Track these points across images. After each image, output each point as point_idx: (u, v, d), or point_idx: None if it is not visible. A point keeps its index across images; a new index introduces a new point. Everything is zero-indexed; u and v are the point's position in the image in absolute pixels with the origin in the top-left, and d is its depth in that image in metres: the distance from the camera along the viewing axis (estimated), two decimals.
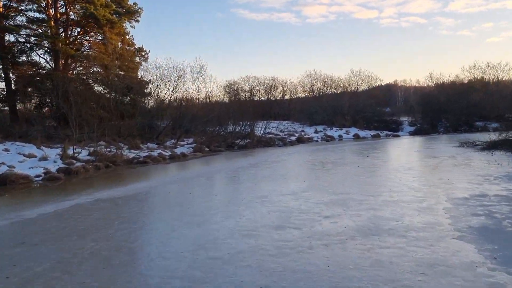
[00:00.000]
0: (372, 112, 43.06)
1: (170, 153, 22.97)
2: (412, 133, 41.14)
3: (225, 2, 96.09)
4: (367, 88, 45.81)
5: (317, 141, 33.83)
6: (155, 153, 22.18)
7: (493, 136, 23.01)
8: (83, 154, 19.64)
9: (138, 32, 48.71)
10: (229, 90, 45.72)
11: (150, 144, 26.02)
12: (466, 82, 47.64)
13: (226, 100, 40.86)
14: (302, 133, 36.65)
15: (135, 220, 8.58)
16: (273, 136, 33.35)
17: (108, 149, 20.52)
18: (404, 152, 23.21)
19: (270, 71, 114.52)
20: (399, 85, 63.59)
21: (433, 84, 47.83)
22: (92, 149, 20.17)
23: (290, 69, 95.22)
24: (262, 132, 32.46)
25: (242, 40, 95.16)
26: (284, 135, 35.37)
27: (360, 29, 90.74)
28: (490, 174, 13.23)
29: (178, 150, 24.31)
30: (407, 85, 62.92)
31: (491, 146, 21.65)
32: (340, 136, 37.54)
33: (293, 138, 33.73)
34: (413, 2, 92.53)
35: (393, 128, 42.63)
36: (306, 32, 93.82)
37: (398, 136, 38.39)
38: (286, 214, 8.57)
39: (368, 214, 8.42)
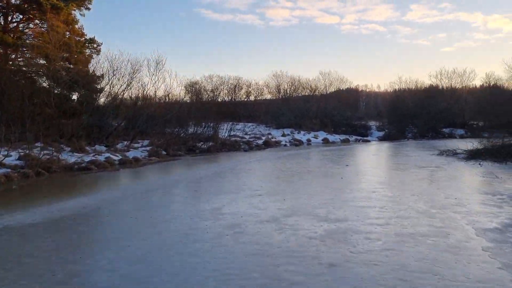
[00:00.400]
0: (341, 115, 41.33)
1: (120, 157, 19.79)
2: (381, 138, 39.75)
3: (188, 1, 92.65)
4: (335, 91, 44.04)
5: (285, 145, 31.48)
6: (102, 158, 18.94)
7: (465, 144, 21.64)
8: (12, 158, 16.21)
9: (92, 26, 44.70)
10: (191, 89, 42.61)
11: (98, 146, 22.69)
12: (434, 87, 46.87)
13: (188, 99, 37.80)
14: (269, 137, 34.21)
15: (40, 268, 5.65)
16: (239, 139, 30.69)
17: (44, 152, 17.12)
18: (383, 160, 21.23)
19: (234, 71, 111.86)
20: (360, 90, 63.18)
21: (403, 89, 46.67)
22: (24, 151, 16.76)
23: (255, 69, 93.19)
24: (226, 134, 29.72)
25: (205, 40, 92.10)
26: (250, 138, 32.79)
27: (322, 34, 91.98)
28: (499, 192, 11.20)
29: (130, 154, 21.14)
30: (368, 90, 62.57)
31: (474, 156, 20.02)
32: (308, 140, 35.42)
33: (260, 141, 31.22)
34: (373, 10, 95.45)
35: (362, 133, 41.09)
36: (270, 35, 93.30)
37: (368, 141, 36.76)
38: (270, 260, 5.92)
39: (388, 261, 5.90)
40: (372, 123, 45.20)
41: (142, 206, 9.86)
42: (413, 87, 46.33)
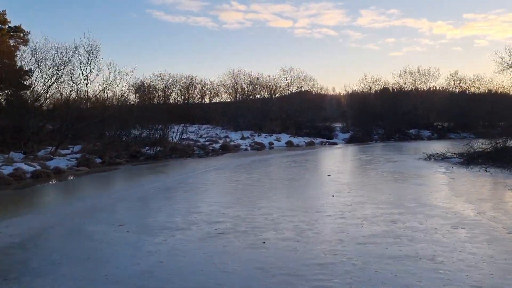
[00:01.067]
0: (305, 117, 38.13)
1: (36, 168, 15.16)
2: (348, 141, 36.92)
3: (140, 2, 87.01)
4: (298, 91, 40.68)
5: (246, 149, 27.68)
6: (8, 169, 14.27)
7: (439, 146, 18.67)
8: None
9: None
10: (139, 88, 37.85)
11: (14, 154, 17.91)
12: (400, 90, 44.86)
13: (136, 100, 33.09)
14: (227, 140, 30.28)
15: None
16: (192, 143, 26.54)
17: None
18: (369, 167, 17.90)
19: (188, 71, 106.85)
20: (323, 91, 61.00)
21: (367, 92, 44.27)
22: None
23: (210, 70, 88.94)
24: (177, 138, 25.49)
25: (156, 40, 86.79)
26: (206, 141, 28.73)
27: (276, 37, 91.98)
28: None
29: (52, 163, 16.52)
30: (324, 92, 60.32)
31: (471, 160, 17.13)
32: (270, 143, 31.86)
33: (216, 145, 27.25)
34: (325, 14, 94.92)
35: (327, 135, 38.12)
36: (224, 37, 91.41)
37: (334, 144, 33.72)
38: None
39: None
40: (336, 125, 42.43)
41: (30, 261, 5.65)
42: (379, 88, 44.00)
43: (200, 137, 31.57)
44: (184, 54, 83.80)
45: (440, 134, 41.91)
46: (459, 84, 46.10)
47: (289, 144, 32.10)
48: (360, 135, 37.89)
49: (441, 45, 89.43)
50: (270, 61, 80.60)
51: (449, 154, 18.76)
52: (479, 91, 46.43)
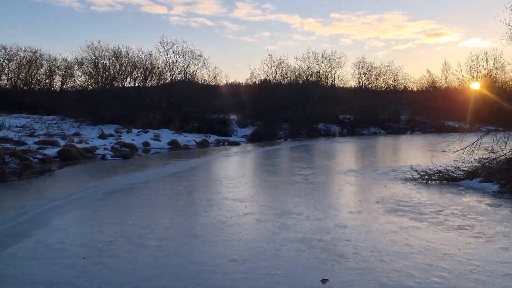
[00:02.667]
0: (193, 106, 28.59)
1: None
2: (250, 139, 28.62)
3: None
4: (183, 72, 30.68)
5: (105, 157, 17.27)
6: None
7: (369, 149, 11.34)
8: None
9: None
10: None
11: None
12: (307, 75, 37.87)
13: None
14: (75, 140, 19.47)
15: None
16: (10, 146, 15.28)
17: None
18: (343, 198, 9.40)
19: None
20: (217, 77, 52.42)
21: (274, 73, 36.10)
22: None
23: (64, 43, 75.10)
24: None
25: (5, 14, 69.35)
26: (36, 143, 17.58)
27: (150, 23, 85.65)
28: None
29: None
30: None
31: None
32: (145, 144, 21.89)
33: (52, 151, 16.38)
34: (201, 4, 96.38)
35: (222, 131, 29.27)
36: (91, 19, 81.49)
37: (235, 143, 24.91)
38: None
39: None
40: (233, 117, 33.90)
41: None
42: (286, 71, 36.22)
43: (32, 134, 20.14)
44: (36, 31, 68.41)
45: (349, 129, 36.18)
46: (368, 73, 40.98)
47: (173, 144, 22.41)
48: (264, 132, 29.88)
49: (311, 41, 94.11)
50: (145, 48, 71.76)
51: (458, 172, 11.01)
52: (385, 84, 42.08)
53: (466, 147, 12.10)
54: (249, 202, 8.36)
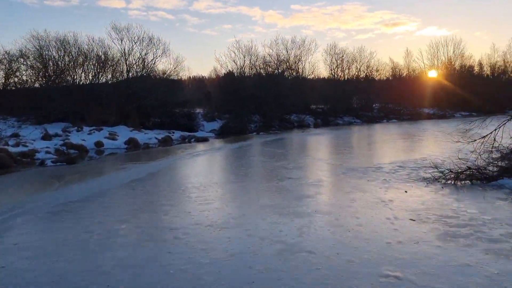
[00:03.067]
0: (154, 99, 25.42)
1: None
2: (218, 134, 25.91)
3: None
4: (142, 68, 27.22)
5: (44, 162, 14.14)
6: None
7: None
8: None
9: None
10: None
11: None
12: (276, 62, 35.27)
13: None
14: (10, 143, 16.16)
15: None
16: None
17: None
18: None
19: None
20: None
21: (242, 61, 33.11)
22: None
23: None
24: None
25: None
26: None
27: (107, 18, 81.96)
28: None
29: None
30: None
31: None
32: (98, 144, 18.81)
33: None
34: None
35: (187, 126, 26.36)
36: (45, 15, 77.23)
37: (203, 140, 22.08)
38: None
39: None
40: (198, 111, 31.02)
41: None
42: (255, 59, 33.37)
43: None
44: None
45: (323, 120, 34.03)
46: (340, 60, 38.86)
47: (131, 143, 19.40)
48: (233, 125, 27.21)
49: (273, 33, 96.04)
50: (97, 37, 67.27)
51: (490, 168, 8.77)
52: (358, 71, 40.20)
53: (486, 135, 9.91)
54: (232, 230, 5.77)
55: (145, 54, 25.26)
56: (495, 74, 52.18)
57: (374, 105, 41.78)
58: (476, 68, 51.75)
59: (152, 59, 25.50)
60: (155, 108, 25.40)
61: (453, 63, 46.94)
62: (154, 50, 25.55)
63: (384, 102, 41.49)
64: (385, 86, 41.85)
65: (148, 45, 25.06)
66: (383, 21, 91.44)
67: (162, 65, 39.85)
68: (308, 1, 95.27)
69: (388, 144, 18.40)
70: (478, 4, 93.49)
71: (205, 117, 30.22)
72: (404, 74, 45.94)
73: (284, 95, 31.86)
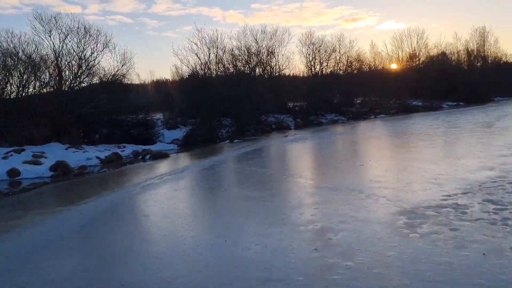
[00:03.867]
0: (99, 106, 20.06)
1: None
2: (182, 144, 21.02)
3: None
4: (78, 67, 21.38)
5: None
6: None
7: None
8: None
9: None
10: None
11: None
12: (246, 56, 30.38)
13: None
14: None
15: None
16: None
17: None
18: None
19: None
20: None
21: (207, 55, 27.81)
22: None
23: None
24: None
25: None
26: None
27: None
28: None
29: None
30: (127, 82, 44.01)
31: None
32: (12, 173, 13.56)
33: None
34: (118, 1, 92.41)
35: (142, 137, 21.28)
36: None
37: (163, 155, 16.96)
38: None
39: None
40: (158, 116, 25.99)
41: None
42: (221, 53, 28.20)
43: None
44: None
45: (304, 119, 29.58)
46: (317, 51, 34.43)
47: (60, 168, 14.18)
48: (200, 133, 22.33)
49: (235, 33, 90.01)
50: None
51: None
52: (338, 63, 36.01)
53: None
54: None
55: (82, 51, 19.93)
56: (476, 63, 50.68)
57: (355, 100, 37.79)
58: (454, 57, 49.67)
59: (90, 55, 20.13)
60: (100, 117, 20.14)
61: (417, 53, 45.70)
62: (94, 45, 20.23)
63: (365, 96, 37.66)
64: (366, 78, 37.89)
65: (84, 38, 19.71)
66: (343, 17, 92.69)
67: (106, 63, 33.66)
68: (268, 0, 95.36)
69: (410, 150, 14.02)
70: None
71: (166, 124, 25.21)
72: (379, 66, 43.01)
73: (259, 93, 27.19)
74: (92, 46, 20.03)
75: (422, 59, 46.52)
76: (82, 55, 19.98)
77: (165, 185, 10.48)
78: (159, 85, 44.79)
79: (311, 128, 26.51)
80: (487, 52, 51.77)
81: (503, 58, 54.13)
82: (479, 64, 50.86)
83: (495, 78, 44.39)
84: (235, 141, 21.27)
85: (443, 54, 49.41)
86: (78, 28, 19.79)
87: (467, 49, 49.60)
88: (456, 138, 15.54)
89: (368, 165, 11.05)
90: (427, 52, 46.87)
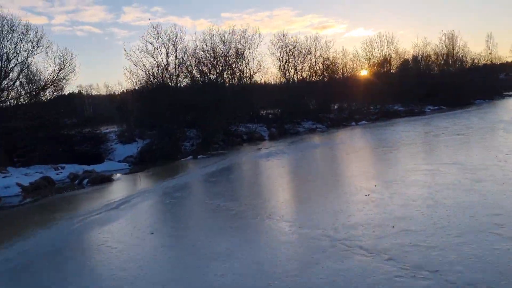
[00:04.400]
0: (34, 120, 16.61)
1: None
2: (136, 162, 17.77)
3: None
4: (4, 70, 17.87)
5: None
6: None
7: None
8: None
9: None
10: None
11: None
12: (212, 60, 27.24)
13: None
14: None
15: None
16: None
17: None
18: None
19: None
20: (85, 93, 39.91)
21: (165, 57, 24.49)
22: None
23: None
24: None
25: None
26: None
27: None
28: None
29: None
30: (94, 93, 40.21)
31: None
32: None
33: None
34: (86, 11, 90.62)
35: (90, 154, 17.88)
36: None
37: (107, 180, 13.65)
38: None
39: None
40: (110, 130, 22.59)
41: None
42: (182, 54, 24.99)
43: None
44: None
45: (279, 128, 26.70)
46: (291, 53, 31.65)
47: None
48: (159, 147, 19.10)
49: (200, 34, 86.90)
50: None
51: None
52: (314, 66, 33.37)
53: None
54: None
55: (10, 50, 16.37)
56: (448, 67, 49.61)
57: (333, 105, 35.23)
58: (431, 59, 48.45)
59: (15, 56, 16.58)
60: (34, 132, 16.64)
61: (388, 59, 44.20)
62: (25, 44, 16.73)
63: (342, 101, 35.19)
64: (343, 83, 35.41)
65: (8, 34, 16.20)
66: (312, 25, 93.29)
67: (42, 67, 29.02)
68: (239, 9, 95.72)
69: (431, 170, 11.21)
70: (400, 4, 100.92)
71: (120, 138, 21.81)
72: (353, 71, 40.94)
73: (227, 100, 24.13)
74: (19, 45, 16.54)
75: (394, 64, 45.26)
76: (3, 55, 16.44)
77: (102, 230, 7.24)
78: (112, 95, 40.69)
79: (287, 138, 23.62)
80: (457, 56, 50.99)
81: (476, 61, 53.39)
82: (452, 69, 49.84)
83: (472, 80, 43.12)
84: (200, 157, 18.14)
85: (414, 58, 48.40)
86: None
87: (437, 53, 48.69)
88: (475, 153, 12.90)
89: (376, 193, 8.14)
90: (398, 57, 45.54)
